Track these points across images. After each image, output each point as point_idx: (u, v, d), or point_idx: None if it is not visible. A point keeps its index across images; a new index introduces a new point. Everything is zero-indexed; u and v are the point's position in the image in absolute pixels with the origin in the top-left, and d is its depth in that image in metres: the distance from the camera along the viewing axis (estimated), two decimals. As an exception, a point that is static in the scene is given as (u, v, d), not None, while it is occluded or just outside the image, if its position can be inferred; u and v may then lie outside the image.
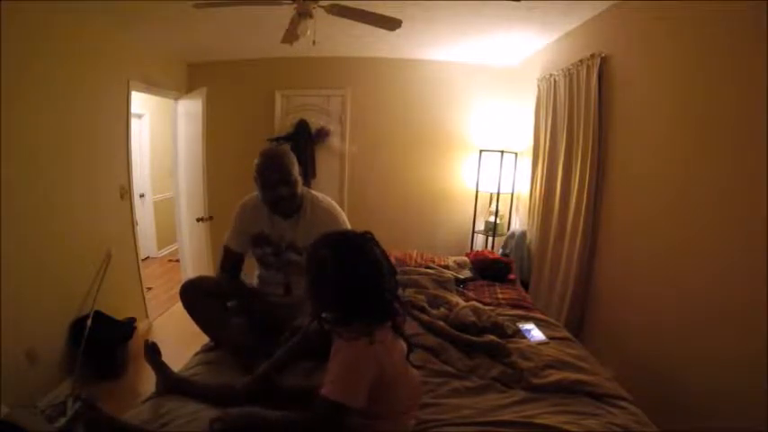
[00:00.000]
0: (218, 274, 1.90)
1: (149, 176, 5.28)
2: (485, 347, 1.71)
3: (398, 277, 2.52)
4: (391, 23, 2.23)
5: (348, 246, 1.08)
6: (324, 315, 1.11)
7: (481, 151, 3.92)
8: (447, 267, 2.81)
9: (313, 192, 1.85)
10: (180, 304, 1.75)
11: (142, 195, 5.07)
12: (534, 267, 3.21)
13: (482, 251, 3.24)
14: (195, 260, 4.02)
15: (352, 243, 1.08)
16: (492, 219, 3.84)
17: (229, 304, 1.82)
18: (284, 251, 1.77)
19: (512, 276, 2.79)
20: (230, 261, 1.85)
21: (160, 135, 5.19)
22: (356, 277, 1.04)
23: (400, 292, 1.28)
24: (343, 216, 1.82)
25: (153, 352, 1.40)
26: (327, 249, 1.06)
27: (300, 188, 1.73)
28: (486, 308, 2.08)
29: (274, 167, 1.65)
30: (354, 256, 1.06)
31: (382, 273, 1.07)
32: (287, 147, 1.93)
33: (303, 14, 2.04)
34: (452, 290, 2.39)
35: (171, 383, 1.37)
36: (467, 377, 1.55)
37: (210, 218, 3.61)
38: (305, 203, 1.76)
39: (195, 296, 1.72)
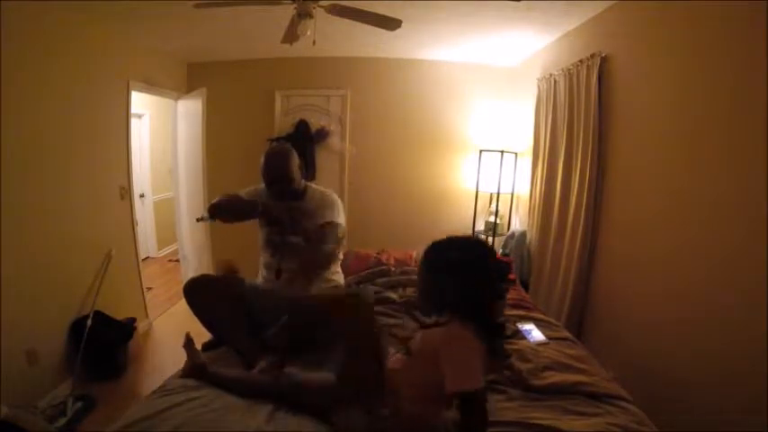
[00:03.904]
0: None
1: (149, 176, 5.27)
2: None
3: (398, 277, 2.55)
4: (391, 23, 2.23)
5: (474, 250, 1.19)
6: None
7: (481, 151, 3.92)
8: (447, 267, 2.80)
9: (312, 184, 2.01)
10: (180, 304, 1.78)
11: (142, 195, 5.06)
12: (534, 267, 3.21)
13: (482, 251, 3.24)
14: (195, 260, 4.02)
15: (478, 248, 1.21)
16: (492, 219, 3.84)
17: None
18: (287, 233, 1.85)
19: (512, 276, 2.78)
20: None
21: (160, 135, 5.19)
22: (477, 279, 1.14)
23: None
24: (340, 202, 1.97)
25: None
26: (456, 252, 1.17)
27: (300, 180, 1.90)
28: (486, 308, 2.08)
29: (273, 166, 1.82)
30: (479, 259, 1.17)
31: (493, 277, 1.18)
32: (287, 145, 1.97)
33: (303, 14, 2.05)
34: (452, 290, 2.39)
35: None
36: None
37: (210, 218, 3.61)
38: (307, 191, 1.94)
39: (199, 294, 1.77)
